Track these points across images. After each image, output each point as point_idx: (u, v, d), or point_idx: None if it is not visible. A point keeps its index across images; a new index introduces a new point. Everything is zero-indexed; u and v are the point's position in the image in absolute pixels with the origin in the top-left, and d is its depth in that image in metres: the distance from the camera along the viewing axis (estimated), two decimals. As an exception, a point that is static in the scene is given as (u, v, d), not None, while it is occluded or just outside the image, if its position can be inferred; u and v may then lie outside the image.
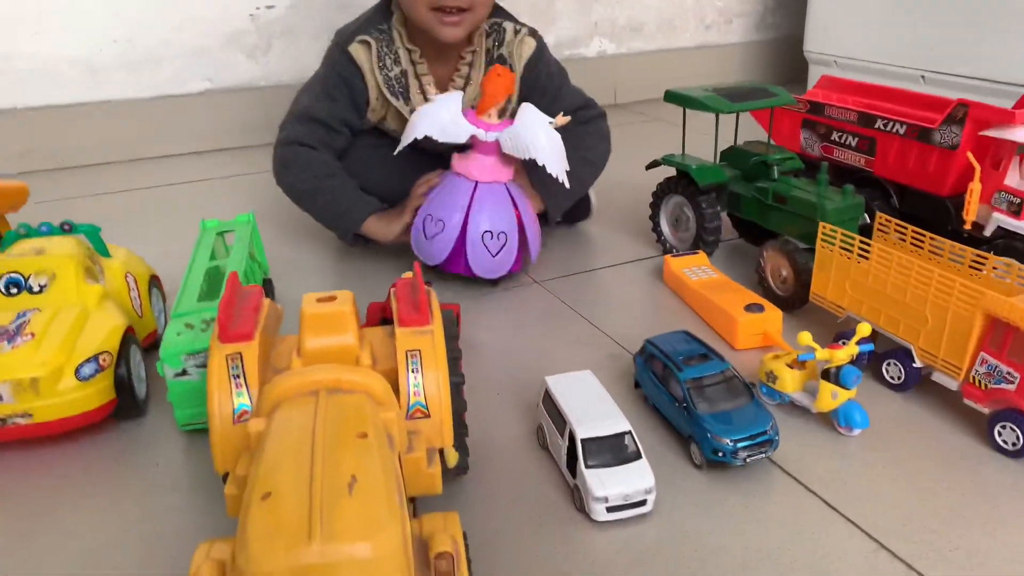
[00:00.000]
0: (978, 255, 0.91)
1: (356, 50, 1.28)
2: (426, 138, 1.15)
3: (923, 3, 1.96)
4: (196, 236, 1.13)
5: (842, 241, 0.98)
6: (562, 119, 1.14)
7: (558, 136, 1.14)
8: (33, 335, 0.86)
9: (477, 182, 1.16)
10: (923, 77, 1.98)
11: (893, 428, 0.87)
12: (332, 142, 1.31)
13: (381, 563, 0.50)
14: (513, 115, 1.16)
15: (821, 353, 0.85)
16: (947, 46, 1.92)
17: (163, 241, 1.30)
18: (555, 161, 1.13)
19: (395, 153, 1.22)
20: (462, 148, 1.19)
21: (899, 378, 0.92)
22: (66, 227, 1.00)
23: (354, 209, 1.27)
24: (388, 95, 1.30)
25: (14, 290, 0.91)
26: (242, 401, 0.68)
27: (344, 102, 1.30)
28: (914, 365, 0.90)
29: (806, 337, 0.86)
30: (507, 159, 1.18)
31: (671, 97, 1.24)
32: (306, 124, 1.29)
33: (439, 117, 1.15)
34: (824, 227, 1.00)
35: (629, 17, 2.41)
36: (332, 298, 0.72)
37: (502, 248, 1.16)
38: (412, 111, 1.24)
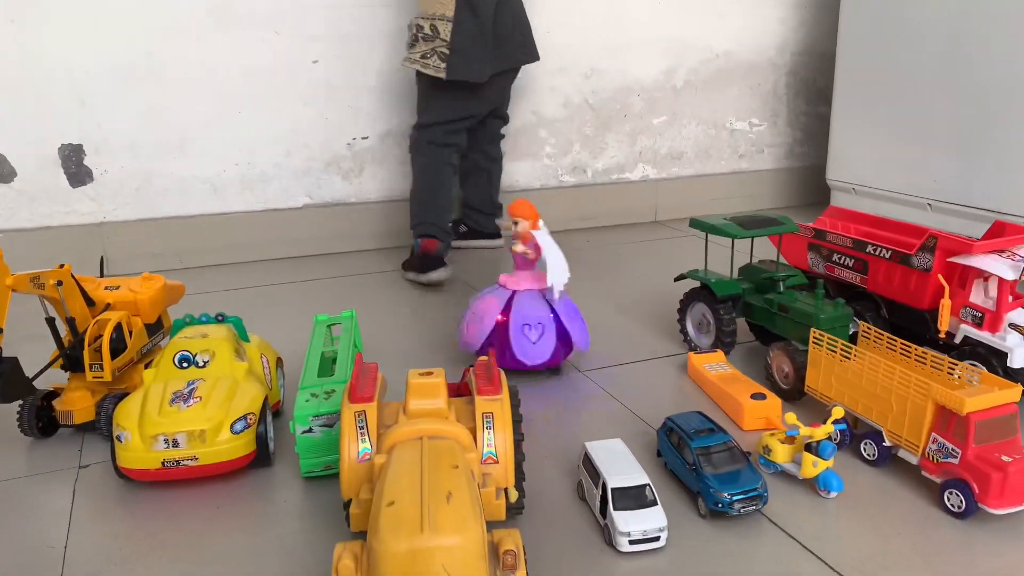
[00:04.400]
0: (951, 362, 1.13)
1: None
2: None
3: (930, 137, 2.21)
4: (301, 324, 1.41)
5: (829, 344, 1.22)
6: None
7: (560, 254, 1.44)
8: (200, 398, 1.14)
9: (514, 291, 1.47)
10: (929, 205, 2.22)
11: (866, 493, 1.09)
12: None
13: (468, 549, 0.75)
14: None
15: (804, 430, 1.08)
16: (951, 178, 2.16)
17: (278, 328, 1.60)
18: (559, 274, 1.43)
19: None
20: None
21: (873, 455, 1.14)
22: (219, 317, 1.30)
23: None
24: None
25: (185, 364, 1.20)
26: (364, 446, 0.95)
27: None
28: (884, 444, 1.12)
29: (791, 417, 1.09)
30: (538, 274, 1.48)
31: (695, 224, 1.52)
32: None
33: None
34: (814, 332, 1.24)
35: (670, 147, 2.73)
36: (430, 373, 0.99)
37: (541, 336, 1.44)
38: None
